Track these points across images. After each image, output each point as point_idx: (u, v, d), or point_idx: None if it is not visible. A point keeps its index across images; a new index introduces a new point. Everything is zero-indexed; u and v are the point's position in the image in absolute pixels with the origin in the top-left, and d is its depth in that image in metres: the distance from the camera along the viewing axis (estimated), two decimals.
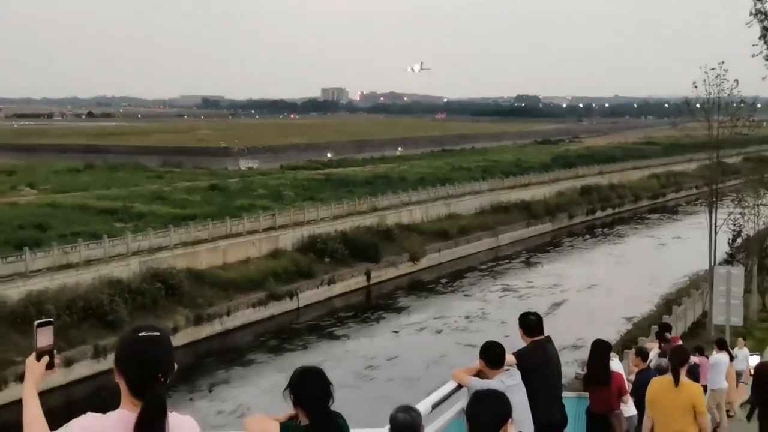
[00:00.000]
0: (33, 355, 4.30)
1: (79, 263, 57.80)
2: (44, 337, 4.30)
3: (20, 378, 46.70)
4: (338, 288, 74.01)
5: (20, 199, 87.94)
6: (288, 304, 68.33)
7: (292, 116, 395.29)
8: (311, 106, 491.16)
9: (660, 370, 14.35)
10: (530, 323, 9.95)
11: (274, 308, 67.10)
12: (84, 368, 51.17)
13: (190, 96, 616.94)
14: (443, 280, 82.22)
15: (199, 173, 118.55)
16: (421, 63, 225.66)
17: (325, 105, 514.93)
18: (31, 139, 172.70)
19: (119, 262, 60.46)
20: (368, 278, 77.44)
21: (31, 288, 53.55)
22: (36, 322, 4.21)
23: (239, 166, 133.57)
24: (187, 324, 59.20)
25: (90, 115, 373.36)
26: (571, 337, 54.25)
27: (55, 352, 4.32)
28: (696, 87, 50.34)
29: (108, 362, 51.04)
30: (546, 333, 10.00)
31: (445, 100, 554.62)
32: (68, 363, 49.10)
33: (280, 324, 66.07)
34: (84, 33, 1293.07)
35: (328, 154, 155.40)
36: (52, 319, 4.37)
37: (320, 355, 58.57)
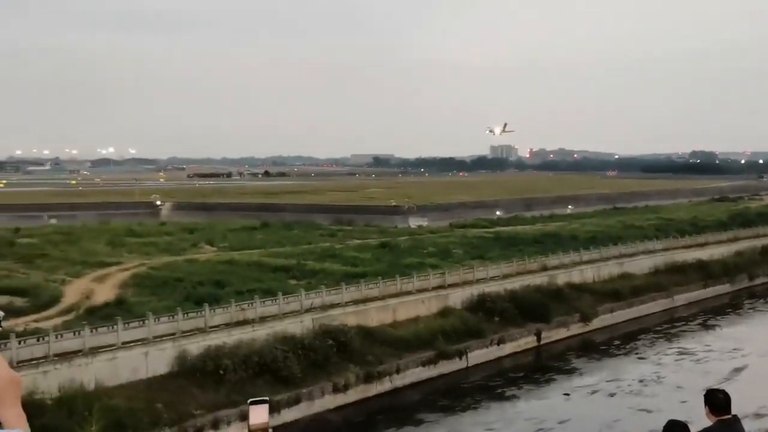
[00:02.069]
0: None
1: (255, 319, 59.42)
2: (258, 415, 4.37)
3: (198, 431, 48.28)
4: (508, 348, 73.26)
5: (200, 256, 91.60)
6: (457, 364, 68.03)
7: (461, 174, 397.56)
8: (480, 163, 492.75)
9: None
10: (718, 401, 9.53)
11: (443, 367, 66.92)
12: None
13: (361, 154, 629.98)
14: (616, 342, 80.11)
15: (369, 231, 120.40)
16: (504, 124, 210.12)
17: (495, 162, 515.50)
18: (211, 197, 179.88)
19: (293, 318, 61.79)
20: (538, 338, 76.32)
21: (210, 343, 55.37)
22: (250, 401, 4.29)
23: (409, 224, 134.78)
24: (358, 381, 59.71)
25: (266, 174, 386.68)
26: (752, 406, 51.74)
27: (270, 431, 4.36)
28: None
29: (283, 417, 52.11)
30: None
31: (616, 156, 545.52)
32: (243, 417, 50.30)
33: (449, 383, 65.73)
34: (285, 96, 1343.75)
35: (497, 212, 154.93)
36: (267, 398, 4.44)
37: (490, 416, 57.97)
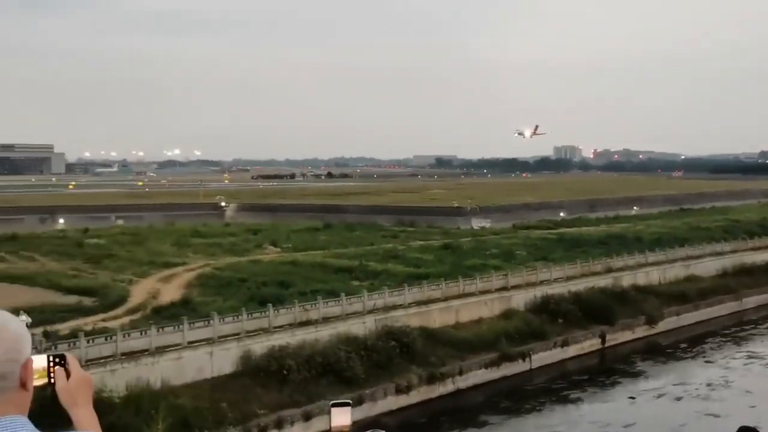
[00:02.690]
0: None
1: (318, 320, 59.77)
2: (340, 417, 4.32)
3: (262, 430, 48.67)
4: (572, 350, 72.63)
5: (264, 257, 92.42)
6: (520, 366, 67.63)
7: (524, 175, 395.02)
8: (544, 164, 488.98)
9: None
10: None
11: (506, 369, 66.59)
12: (321, 423, 52.48)
13: (423, 155, 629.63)
14: (682, 345, 78.96)
15: (432, 232, 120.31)
16: (536, 126, 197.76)
17: (558, 163, 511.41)
18: (274, 198, 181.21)
19: (355, 319, 62.01)
20: (603, 341, 75.52)
21: (274, 343, 55.82)
22: (331, 402, 4.27)
23: (471, 226, 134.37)
24: (420, 383, 59.71)
25: (329, 175, 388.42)
26: None
27: None
28: None
29: None
30: None
31: (683, 157, 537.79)
32: (307, 417, 50.70)
33: (512, 385, 65.39)
34: (347, 97, 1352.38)
35: (561, 213, 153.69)
36: (349, 401, 4.40)
37: (554, 419, 57.55)
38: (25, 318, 48.31)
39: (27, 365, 3.31)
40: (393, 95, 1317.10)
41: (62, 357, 3.48)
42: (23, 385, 3.30)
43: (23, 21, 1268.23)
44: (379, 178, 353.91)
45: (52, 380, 3.44)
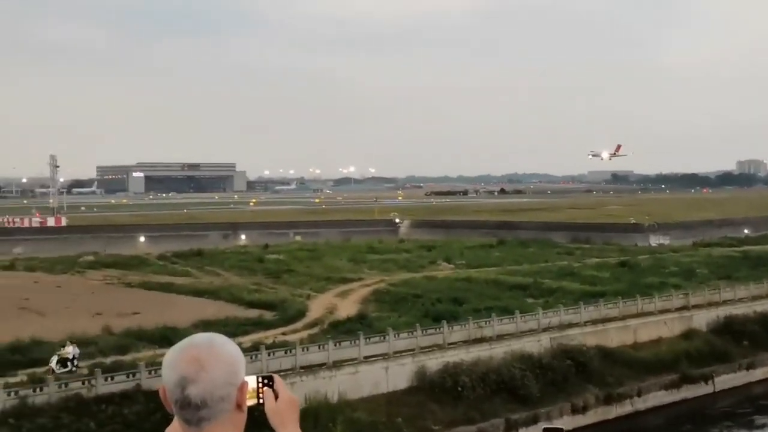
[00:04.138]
0: None
1: (492, 337, 59.60)
2: None
3: None
4: (758, 373, 69.61)
5: (438, 273, 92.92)
6: (702, 388, 65.32)
7: (704, 190, 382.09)
8: (726, 179, 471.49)
9: None
10: None
11: (687, 391, 64.46)
12: None
13: (598, 171, 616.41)
14: None
15: (608, 249, 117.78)
16: (618, 147, 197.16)
17: (741, 178, 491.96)
18: (447, 215, 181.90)
19: (530, 337, 61.49)
20: None
21: (448, 360, 56.07)
22: (543, 427, 4.33)
23: (649, 243, 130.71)
24: (597, 403, 58.63)
25: (502, 191, 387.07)
26: None
27: None
28: None
29: None
30: None
31: None
32: None
33: (693, 408, 63.22)
34: (495, 114, 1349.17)
35: (745, 230, 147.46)
36: (562, 427, 4.44)
37: None
38: (71, 349, 50.11)
39: (242, 387, 3.45)
40: (566, 110, 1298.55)
41: (270, 378, 3.59)
42: (239, 406, 3.45)
43: (215, 41, 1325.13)
44: (553, 194, 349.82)
45: (261, 401, 3.54)
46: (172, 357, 3.41)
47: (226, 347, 3.45)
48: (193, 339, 3.49)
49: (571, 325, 64.40)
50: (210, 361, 3.37)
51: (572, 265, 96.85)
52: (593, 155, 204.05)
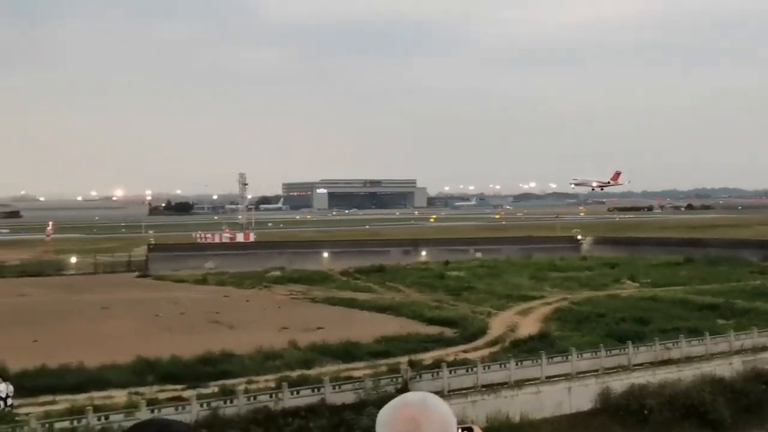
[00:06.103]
0: None
1: (680, 359, 57.63)
2: None
3: None
4: None
5: (622, 292, 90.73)
6: None
7: None
8: None
9: None
10: None
11: None
12: None
13: None
14: None
15: None
16: (616, 173, 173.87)
17: None
18: (631, 232, 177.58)
19: (721, 360, 59.05)
20: None
21: (633, 381, 54.57)
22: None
23: None
24: None
25: (689, 207, 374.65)
26: None
27: None
28: None
29: None
30: None
31: None
32: None
33: None
34: (703, 124, 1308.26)
35: None
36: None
37: None
38: (4, 387, 46.20)
39: None
40: (750, 122, 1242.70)
41: (470, 429, 3.70)
42: None
43: (396, 60, 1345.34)
44: (744, 209, 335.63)
45: None
46: (387, 415, 3.52)
47: (439, 408, 3.55)
48: (406, 398, 3.60)
49: (765, 348, 61.41)
50: (424, 422, 3.46)
51: (765, 285, 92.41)
52: (575, 184, 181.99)
